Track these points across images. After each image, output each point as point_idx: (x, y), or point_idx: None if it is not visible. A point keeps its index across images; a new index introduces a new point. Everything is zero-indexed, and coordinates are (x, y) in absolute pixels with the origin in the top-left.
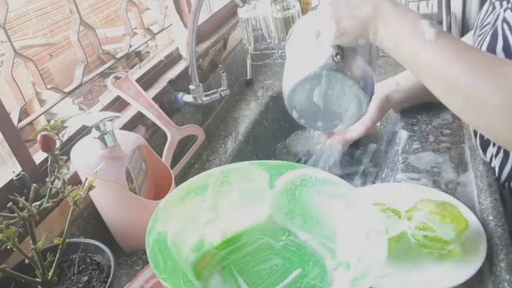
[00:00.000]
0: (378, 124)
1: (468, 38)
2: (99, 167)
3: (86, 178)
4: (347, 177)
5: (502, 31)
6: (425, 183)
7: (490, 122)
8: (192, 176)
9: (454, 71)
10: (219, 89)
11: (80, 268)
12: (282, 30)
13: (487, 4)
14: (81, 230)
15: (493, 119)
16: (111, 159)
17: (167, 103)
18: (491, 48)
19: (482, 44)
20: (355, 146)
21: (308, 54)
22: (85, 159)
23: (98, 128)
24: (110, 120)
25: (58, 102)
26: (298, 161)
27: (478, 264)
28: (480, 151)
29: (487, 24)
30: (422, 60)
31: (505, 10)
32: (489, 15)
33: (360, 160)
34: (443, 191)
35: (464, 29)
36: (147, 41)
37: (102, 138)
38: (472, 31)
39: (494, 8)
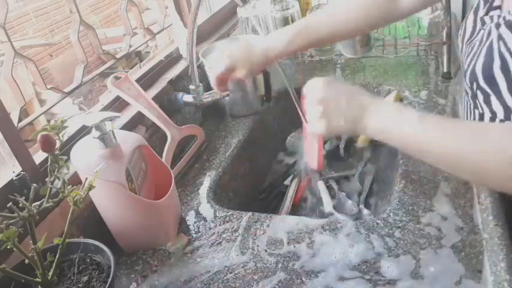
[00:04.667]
0: None
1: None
2: (99, 167)
3: (86, 178)
4: None
5: (499, 49)
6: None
7: (489, 182)
8: (191, 176)
9: (445, 149)
10: None
11: (80, 268)
12: None
13: (471, 19)
14: (81, 230)
15: (491, 180)
16: (111, 159)
17: (167, 103)
18: (488, 66)
19: (476, 62)
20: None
21: None
22: (85, 159)
23: (98, 128)
24: (110, 120)
25: (58, 102)
26: (297, 160)
27: None
28: None
29: (477, 41)
30: (415, 147)
31: (497, 26)
32: (479, 31)
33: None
34: (443, 190)
35: None
36: (147, 41)
37: (102, 138)
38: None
39: (483, 23)
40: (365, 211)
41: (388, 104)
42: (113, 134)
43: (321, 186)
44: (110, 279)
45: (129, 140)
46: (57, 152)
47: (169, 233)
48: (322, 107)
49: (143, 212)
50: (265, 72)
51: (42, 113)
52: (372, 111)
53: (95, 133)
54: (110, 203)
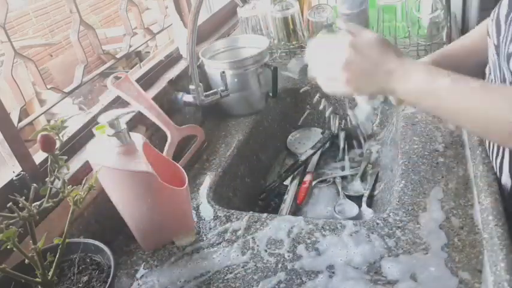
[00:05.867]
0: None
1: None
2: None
3: (97, 170)
4: None
5: None
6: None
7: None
8: (191, 176)
9: (474, 109)
10: (219, 89)
11: (80, 268)
12: (281, 30)
13: None
14: (81, 230)
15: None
16: (129, 154)
17: (167, 103)
18: None
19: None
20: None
21: None
22: (104, 155)
23: (112, 125)
24: (127, 114)
25: (58, 102)
26: (297, 160)
27: None
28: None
29: None
30: (445, 108)
31: None
32: None
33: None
34: (443, 190)
35: (464, 29)
36: (147, 41)
37: (118, 136)
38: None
39: None
40: (367, 211)
41: (416, 68)
42: (127, 131)
43: (321, 186)
44: (109, 279)
45: (134, 138)
46: (57, 152)
47: (190, 221)
48: (347, 74)
49: (173, 199)
50: (274, 67)
51: (42, 113)
52: (399, 77)
53: (109, 131)
54: (137, 196)
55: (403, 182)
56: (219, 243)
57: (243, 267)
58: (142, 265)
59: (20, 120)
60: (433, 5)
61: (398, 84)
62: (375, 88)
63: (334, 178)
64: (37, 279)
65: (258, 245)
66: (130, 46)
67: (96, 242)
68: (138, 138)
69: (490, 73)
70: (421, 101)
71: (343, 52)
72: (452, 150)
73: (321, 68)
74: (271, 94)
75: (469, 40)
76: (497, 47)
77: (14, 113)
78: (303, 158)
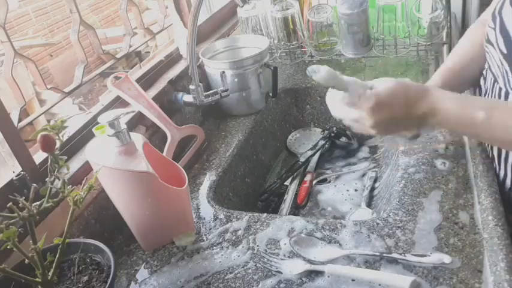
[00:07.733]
0: None
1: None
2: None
3: (97, 170)
4: None
5: None
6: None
7: None
8: (191, 176)
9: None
10: (219, 89)
11: (80, 268)
12: (281, 30)
13: None
14: (81, 230)
15: None
16: (129, 154)
17: (167, 103)
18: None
19: None
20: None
21: None
22: (104, 155)
23: (112, 125)
24: (127, 114)
25: (58, 102)
26: (297, 161)
27: None
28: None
29: None
30: (482, 138)
31: None
32: None
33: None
34: (443, 190)
35: (464, 29)
36: (147, 41)
37: (118, 136)
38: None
39: None
40: (367, 210)
41: (449, 105)
42: (127, 131)
43: (322, 186)
44: (110, 279)
45: (134, 138)
46: (57, 152)
47: (190, 221)
48: (377, 130)
49: (173, 200)
50: (274, 67)
51: (42, 113)
52: (435, 116)
53: (109, 131)
54: (137, 196)
55: (403, 182)
56: (219, 243)
57: (243, 267)
58: (143, 265)
59: (20, 120)
60: (433, 5)
61: (436, 122)
62: (410, 130)
63: (334, 176)
64: (37, 279)
65: (258, 245)
66: (130, 46)
67: (96, 242)
68: (138, 138)
69: (494, 81)
70: (459, 132)
71: (368, 120)
72: (452, 150)
73: (347, 120)
74: (271, 94)
75: (466, 50)
76: (507, 56)
77: (14, 113)
78: (302, 158)
